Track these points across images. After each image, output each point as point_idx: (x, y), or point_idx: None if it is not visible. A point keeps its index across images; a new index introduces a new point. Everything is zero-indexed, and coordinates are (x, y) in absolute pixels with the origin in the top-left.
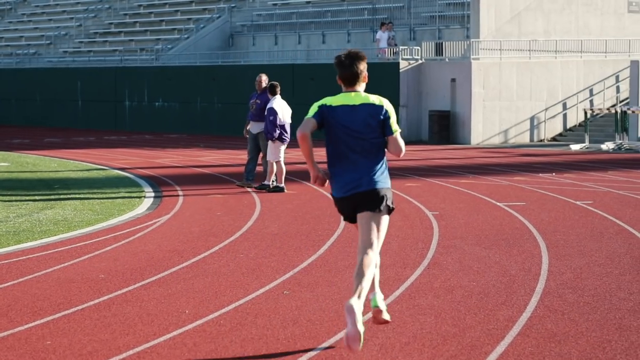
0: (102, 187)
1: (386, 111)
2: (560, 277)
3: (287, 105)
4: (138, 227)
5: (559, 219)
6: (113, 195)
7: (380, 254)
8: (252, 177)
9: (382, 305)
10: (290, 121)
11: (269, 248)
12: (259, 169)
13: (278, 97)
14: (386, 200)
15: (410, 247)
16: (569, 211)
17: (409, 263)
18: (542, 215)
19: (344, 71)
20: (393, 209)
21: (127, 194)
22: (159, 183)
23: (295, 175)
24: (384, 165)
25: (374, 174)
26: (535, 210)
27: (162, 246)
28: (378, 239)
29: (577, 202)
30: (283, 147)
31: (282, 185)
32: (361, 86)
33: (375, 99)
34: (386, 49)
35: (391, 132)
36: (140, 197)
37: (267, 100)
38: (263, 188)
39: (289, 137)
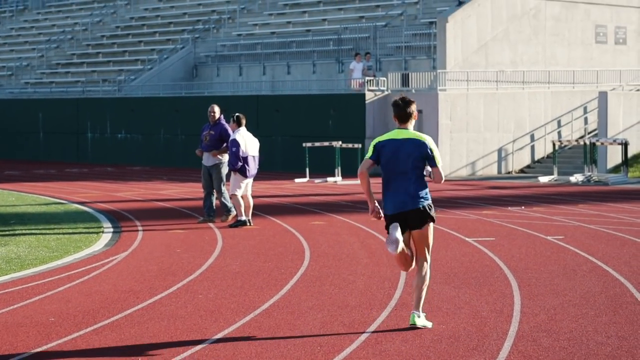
0: (60, 222)
1: (430, 148)
2: (534, 319)
3: (253, 137)
4: (94, 265)
5: (530, 255)
6: (70, 231)
7: (428, 270)
8: (213, 212)
9: (420, 323)
10: (256, 154)
11: (229, 288)
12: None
13: (243, 128)
14: (429, 214)
15: (377, 286)
16: (539, 247)
17: (375, 304)
18: (512, 251)
19: (399, 111)
20: (434, 218)
21: (84, 230)
22: (118, 218)
23: (260, 210)
24: (423, 186)
25: (418, 196)
26: (505, 245)
27: (118, 286)
28: (428, 247)
29: (548, 237)
30: (247, 181)
31: (243, 218)
32: (411, 123)
33: (420, 135)
34: (358, 80)
35: (435, 165)
36: (98, 233)
37: (222, 131)
38: (240, 224)
39: (253, 170)
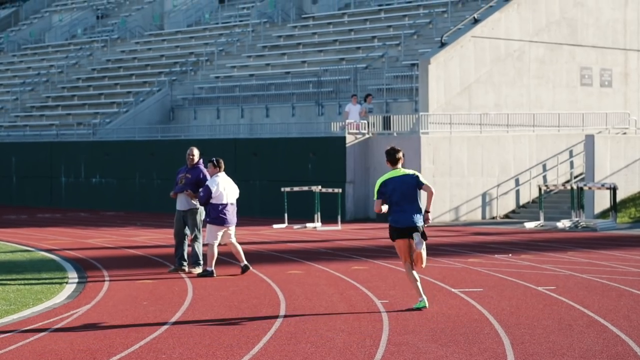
0: (23, 271)
1: (417, 176)
2: None
3: (233, 184)
4: (52, 320)
5: (522, 308)
6: (33, 281)
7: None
8: (185, 261)
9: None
10: (234, 201)
11: (196, 346)
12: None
13: (223, 174)
14: (422, 230)
15: (357, 345)
16: (531, 298)
17: None
18: (502, 303)
19: (391, 157)
20: (425, 233)
21: (48, 280)
22: (85, 266)
23: (235, 257)
24: (420, 209)
25: (415, 216)
26: (494, 297)
27: (74, 344)
28: (421, 253)
29: (539, 288)
30: (224, 229)
31: (210, 269)
32: (400, 164)
33: (409, 171)
34: (355, 122)
35: (422, 184)
36: (62, 283)
37: (199, 175)
38: (208, 274)
39: (230, 218)
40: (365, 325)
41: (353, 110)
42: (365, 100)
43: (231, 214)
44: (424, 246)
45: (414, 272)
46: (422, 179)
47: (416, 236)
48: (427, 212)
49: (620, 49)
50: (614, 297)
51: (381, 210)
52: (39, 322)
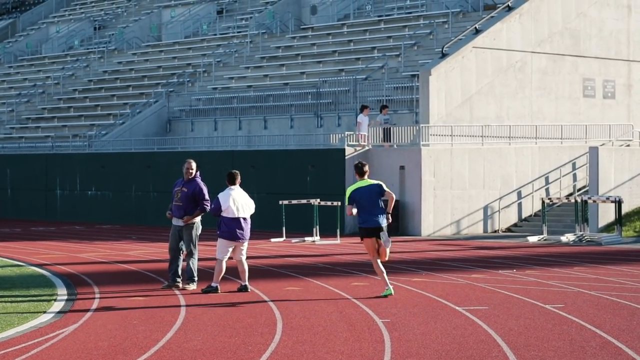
0: (11, 287)
1: (381, 185)
2: None
3: (249, 198)
4: (36, 340)
5: (530, 328)
6: (20, 299)
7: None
8: (180, 277)
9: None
10: (246, 216)
11: None
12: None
13: (237, 187)
14: (385, 229)
15: None
16: (539, 317)
17: None
18: (509, 323)
19: (359, 170)
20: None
21: (35, 297)
22: (76, 282)
23: (230, 273)
24: (382, 212)
25: (379, 217)
26: (500, 316)
27: None
28: (387, 249)
29: (547, 306)
30: (235, 245)
31: (215, 284)
32: (366, 175)
33: (373, 181)
34: (366, 134)
35: (384, 191)
36: (50, 301)
37: (196, 189)
38: (212, 290)
39: (242, 233)
40: (366, 347)
41: (365, 121)
42: (380, 112)
43: (242, 229)
44: (390, 244)
45: (380, 264)
46: (384, 187)
47: (383, 235)
48: (388, 213)
49: (624, 60)
50: (626, 316)
51: (352, 213)
52: (23, 342)
